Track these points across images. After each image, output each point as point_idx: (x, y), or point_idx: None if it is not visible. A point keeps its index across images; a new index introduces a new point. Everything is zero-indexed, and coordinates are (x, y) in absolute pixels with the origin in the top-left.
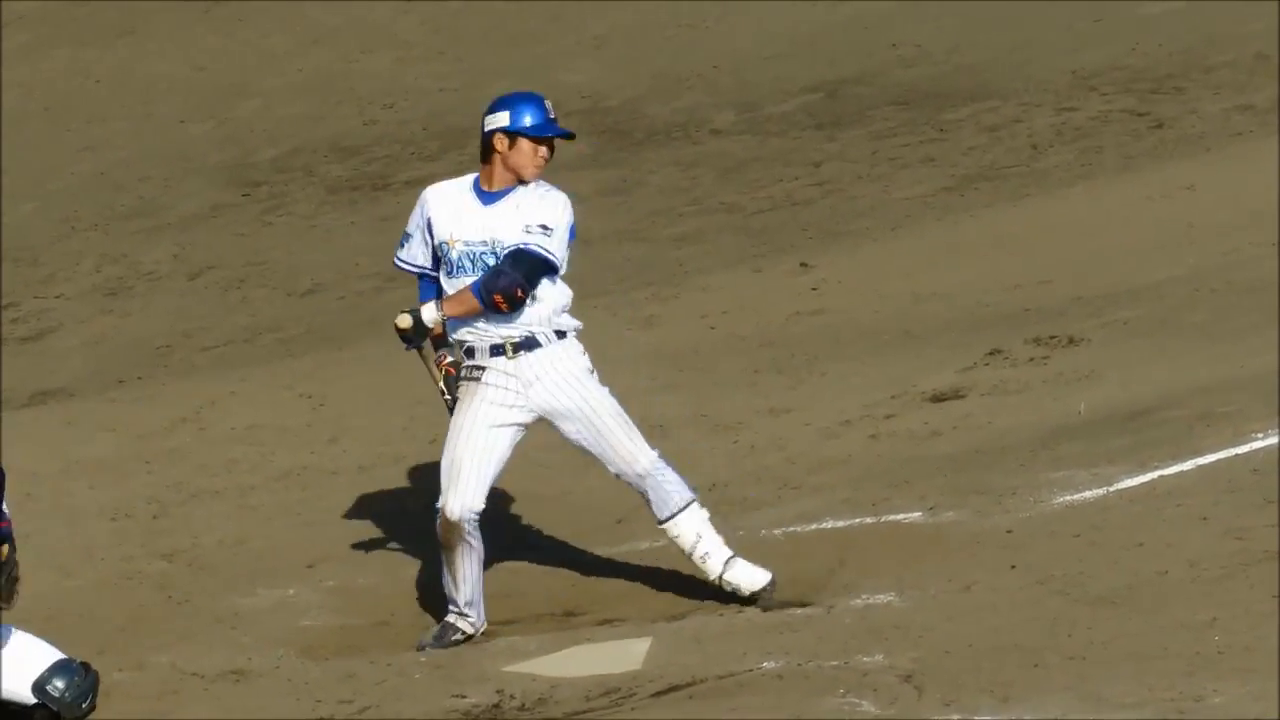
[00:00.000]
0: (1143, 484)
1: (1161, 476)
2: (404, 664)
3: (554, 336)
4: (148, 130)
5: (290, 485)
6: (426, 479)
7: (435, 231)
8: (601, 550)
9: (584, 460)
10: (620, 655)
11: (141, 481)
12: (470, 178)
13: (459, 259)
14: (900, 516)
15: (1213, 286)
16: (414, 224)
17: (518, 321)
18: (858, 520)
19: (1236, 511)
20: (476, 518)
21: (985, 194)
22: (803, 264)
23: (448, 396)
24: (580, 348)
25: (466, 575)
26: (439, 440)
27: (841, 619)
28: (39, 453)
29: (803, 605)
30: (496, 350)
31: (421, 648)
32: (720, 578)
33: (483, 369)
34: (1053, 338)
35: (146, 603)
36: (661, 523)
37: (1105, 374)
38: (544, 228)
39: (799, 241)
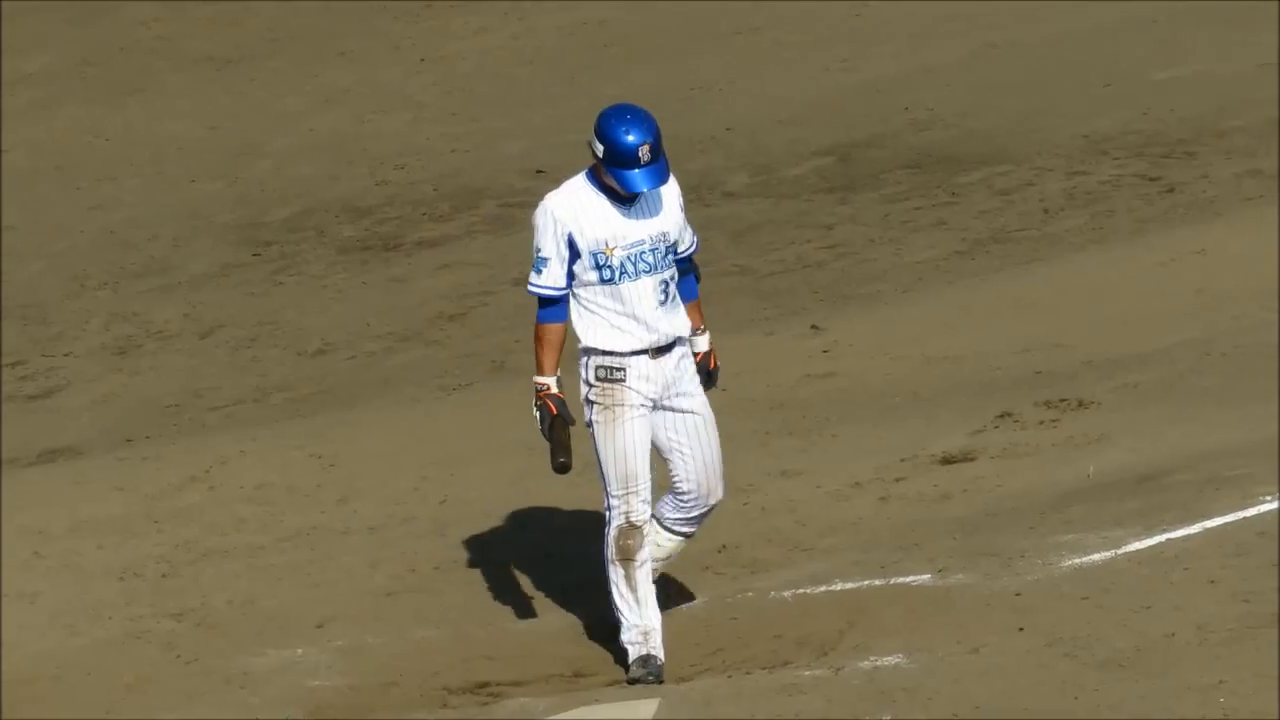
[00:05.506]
0: (1151, 547)
1: (1169, 540)
2: None
3: (683, 338)
4: (158, 189)
5: (300, 545)
6: (436, 540)
7: (583, 244)
8: (611, 612)
9: (596, 521)
10: (628, 717)
11: (150, 541)
12: (582, 180)
13: (621, 264)
14: (909, 579)
15: (1223, 351)
16: (549, 246)
17: (667, 326)
18: (867, 582)
19: (1244, 575)
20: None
21: (997, 257)
22: (814, 327)
23: (544, 425)
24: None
25: (646, 582)
26: (449, 501)
27: (850, 681)
28: (47, 512)
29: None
30: (638, 352)
31: (640, 681)
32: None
33: (624, 370)
34: (1063, 401)
35: (155, 662)
36: (686, 536)
37: (1115, 437)
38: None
39: (810, 304)
